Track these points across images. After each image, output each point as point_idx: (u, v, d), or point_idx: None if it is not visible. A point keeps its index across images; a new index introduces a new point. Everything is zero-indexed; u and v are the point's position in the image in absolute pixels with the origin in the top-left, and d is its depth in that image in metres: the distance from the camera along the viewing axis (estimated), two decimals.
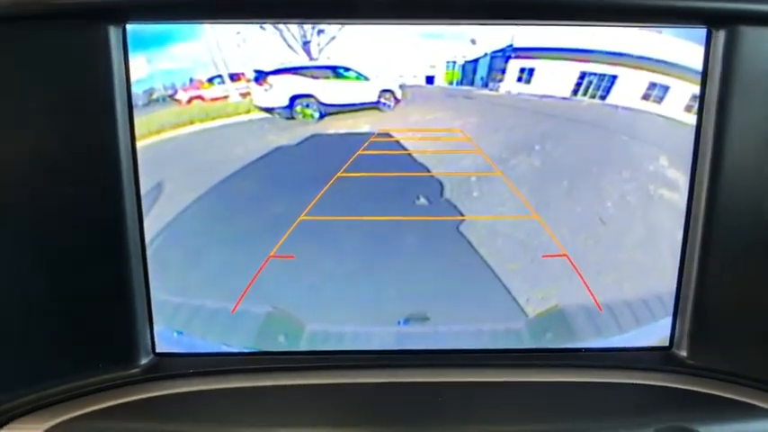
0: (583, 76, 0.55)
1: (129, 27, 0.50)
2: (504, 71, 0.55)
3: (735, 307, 0.53)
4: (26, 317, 0.47)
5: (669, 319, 0.57)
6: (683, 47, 0.54)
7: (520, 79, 0.55)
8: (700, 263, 0.53)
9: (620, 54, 0.54)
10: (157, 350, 0.52)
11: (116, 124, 0.49)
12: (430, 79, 0.55)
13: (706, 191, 0.53)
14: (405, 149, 0.56)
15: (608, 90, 0.55)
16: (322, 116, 0.56)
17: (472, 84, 0.55)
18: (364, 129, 0.56)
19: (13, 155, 0.47)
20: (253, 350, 0.56)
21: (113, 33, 0.48)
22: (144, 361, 0.50)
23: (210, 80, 0.53)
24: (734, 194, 0.52)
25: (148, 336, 0.51)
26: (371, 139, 0.55)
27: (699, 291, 0.53)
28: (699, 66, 0.54)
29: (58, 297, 0.48)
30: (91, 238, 0.49)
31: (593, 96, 0.56)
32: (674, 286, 0.56)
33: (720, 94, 0.52)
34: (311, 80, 0.55)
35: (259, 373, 0.53)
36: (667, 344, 0.57)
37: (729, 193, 0.52)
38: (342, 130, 0.56)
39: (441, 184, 0.57)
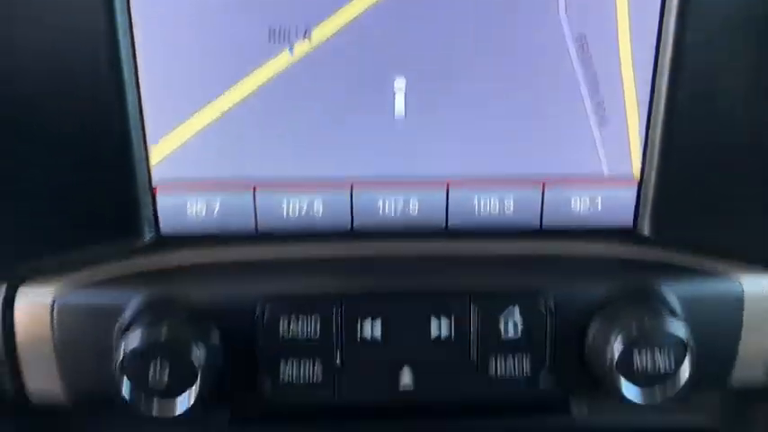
0: None
1: None
2: None
3: (697, 184, 0.51)
4: (30, 188, 0.47)
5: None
6: None
7: None
8: (663, 136, 0.49)
9: None
10: (162, 231, 0.52)
11: None
12: None
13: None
14: None
15: None
16: None
17: None
18: None
19: None
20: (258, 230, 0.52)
21: None
22: (148, 237, 0.49)
23: None
24: (699, 64, 0.48)
25: (151, 213, 0.50)
26: None
27: (661, 168, 0.51)
28: None
29: (60, 166, 0.47)
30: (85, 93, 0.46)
31: None
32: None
33: None
34: None
35: (262, 244, 0.50)
36: (630, 225, 0.54)
37: (694, 65, 0.48)
38: None
39: None
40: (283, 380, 0.46)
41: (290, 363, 0.46)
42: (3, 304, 0.47)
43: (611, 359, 0.44)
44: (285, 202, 0.52)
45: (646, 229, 0.52)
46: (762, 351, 0.49)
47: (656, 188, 0.51)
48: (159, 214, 0.51)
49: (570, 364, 0.47)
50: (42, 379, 0.47)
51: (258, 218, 0.52)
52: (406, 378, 0.47)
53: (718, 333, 0.48)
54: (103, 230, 0.50)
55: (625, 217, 0.53)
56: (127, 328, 0.44)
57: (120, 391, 0.43)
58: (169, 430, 0.52)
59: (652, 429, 0.54)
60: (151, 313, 0.44)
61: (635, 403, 0.51)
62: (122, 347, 0.43)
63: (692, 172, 0.51)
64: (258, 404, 0.49)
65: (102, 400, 0.48)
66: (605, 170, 0.53)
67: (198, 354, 0.43)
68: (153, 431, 0.52)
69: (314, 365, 0.46)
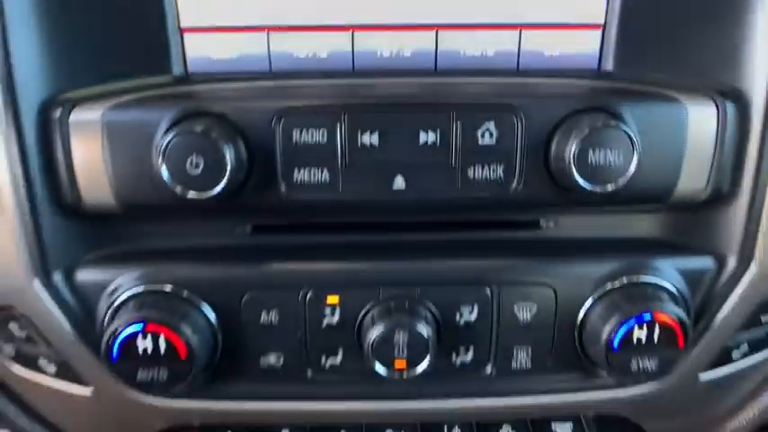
0: None
1: None
2: None
3: (653, 27, 0.57)
4: (80, 29, 0.55)
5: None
6: None
7: None
8: None
9: None
10: (189, 69, 0.59)
11: None
12: None
13: None
14: None
15: None
16: None
17: None
18: None
19: None
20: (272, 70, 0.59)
21: None
22: (177, 73, 0.58)
23: None
24: None
25: (180, 52, 0.58)
26: None
27: (622, 13, 0.56)
28: None
29: (105, 10, 0.55)
30: None
31: None
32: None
33: None
34: None
35: (276, 79, 0.58)
36: (596, 66, 0.61)
37: None
38: None
39: None
40: (297, 181, 0.55)
41: (302, 168, 0.55)
42: (60, 123, 0.55)
43: (570, 156, 0.52)
44: (295, 44, 0.60)
45: (609, 65, 0.60)
46: (703, 166, 0.58)
47: (618, 31, 0.59)
48: (187, 54, 0.60)
49: (537, 172, 0.56)
50: (94, 186, 0.56)
51: (272, 58, 0.60)
52: (399, 182, 0.56)
53: (665, 147, 0.56)
54: (140, 66, 0.58)
55: (591, 58, 0.61)
56: (166, 132, 0.53)
57: (161, 184, 0.52)
58: (200, 238, 0.62)
59: (607, 239, 0.63)
60: (187, 120, 0.53)
61: (595, 211, 0.60)
62: (163, 144, 0.52)
63: (648, 15, 0.59)
64: (275, 210, 0.58)
65: (144, 205, 0.57)
66: (574, 18, 0.61)
67: (227, 152, 0.52)
68: (187, 239, 0.61)
69: (322, 169, 0.55)
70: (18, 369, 0.66)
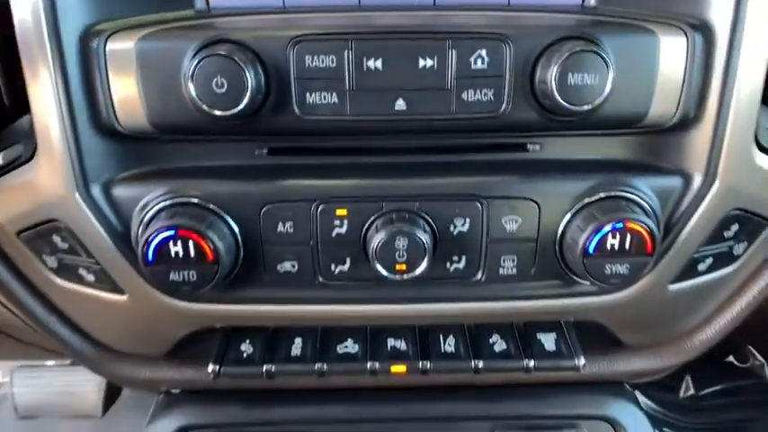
0: None
1: None
2: None
3: None
4: None
5: None
6: None
7: None
8: None
9: None
10: (210, 3, 0.66)
11: None
12: None
13: None
14: None
15: None
16: None
17: None
18: None
19: None
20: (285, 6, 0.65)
21: None
22: (199, 6, 0.65)
23: None
24: None
25: None
26: None
27: None
28: None
29: None
30: None
31: None
32: None
33: None
34: None
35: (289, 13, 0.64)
36: (579, 1, 0.66)
37: None
38: None
39: None
40: (309, 103, 0.62)
41: (314, 92, 0.62)
42: (98, 52, 0.62)
43: (552, 78, 0.59)
44: None
45: (591, 1, 0.66)
46: (673, 92, 0.64)
47: None
48: None
49: (524, 95, 0.62)
50: (129, 109, 0.63)
51: None
52: (401, 103, 0.62)
53: (639, 74, 0.63)
54: (167, 0, 0.65)
55: None
56: (193, 57, 0.59)
57: (190, 105, 0.59)
58: (223, 159, 0.69)
59: (586, 160, 0.70)
60: (211, 46, 0.60)
61: (576, 135, 0.67)
62: (191, 67, 0.58)
63: None
64: (290, 132, 0.65)
65: (174, 126, 0.64)
66: None
67: (248, 74, 0.58)
68: (212, 159, 0.69)
69: (331, 92, 0.62)
70: (59, 281, 0.74)
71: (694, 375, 1.75)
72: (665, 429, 1.67)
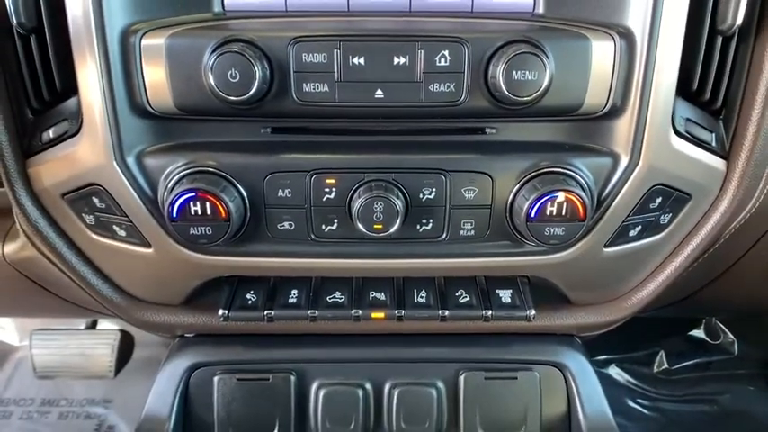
0: None
1: None
2: None
3: None
4: None
5: None
6: None
7: None
8: None
9: None
10: (226, 6, 0.77)
11: None
12: None
13: None
14: None
15: None
16: None
17: None
18: None
19: None
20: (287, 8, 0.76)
21: None
22: (216, 9, 0.77)
23: None
24: None
25: None
26: None
27: None
28: None
29: None
30: None
31: None
32: None
33: None
34: None
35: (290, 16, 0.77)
36: (530, 9, 0.77)
37: None
38: None
39: None
40: (305, 91, 0.76)
41: (309, 83, 0.76)
42: (135, 47, 0.76)
43: (499, 74, 0.73)
44: None
45: (540, 9, 0.79)
46: (604, 87, 0.78)
47: None
48: None
49: (479, 89, 0.76)
50: (159, 94, 0.77)
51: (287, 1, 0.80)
52: (379, 93, 0.77)
53: (575, 71, 0.76)
54: (191, 5, 0.78)
55: (528, 4, 0.80)
56: (212, 53, 0.74)
57: (209, 92, 0.74)
58: (235, 136, 0.83)
59: (533, 142, 0.84)
60: (227, 44, 0.74)
61: (525, 122, 0.81)
62: (211, 61, 0.73)
63: None
64: (289, 115, 0.79)
65: (195, 109, 0.78)
66: None
67: (256, 68, 0.73)
68: (225, 136, 0.83)
69: (323, 83, 0.76)
70: (95, 236, 0.89)
71: (668, 351, 1.89)
72: (640, 400, 1.81)
